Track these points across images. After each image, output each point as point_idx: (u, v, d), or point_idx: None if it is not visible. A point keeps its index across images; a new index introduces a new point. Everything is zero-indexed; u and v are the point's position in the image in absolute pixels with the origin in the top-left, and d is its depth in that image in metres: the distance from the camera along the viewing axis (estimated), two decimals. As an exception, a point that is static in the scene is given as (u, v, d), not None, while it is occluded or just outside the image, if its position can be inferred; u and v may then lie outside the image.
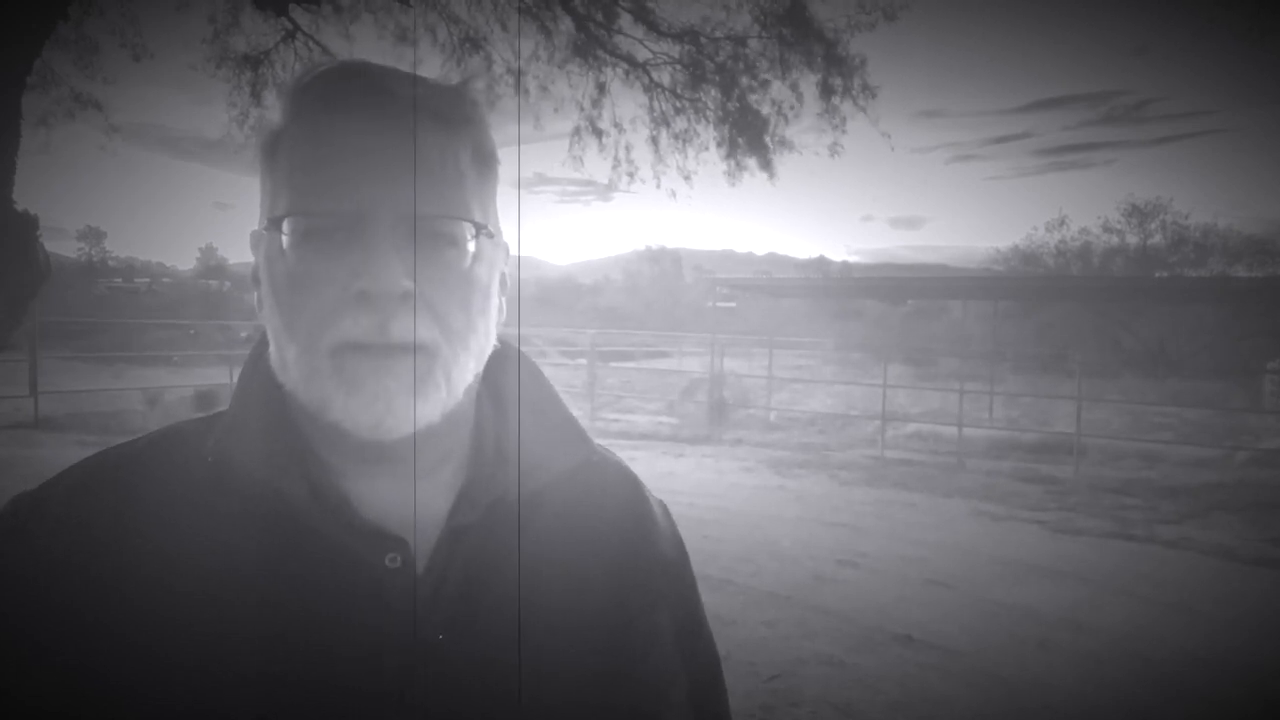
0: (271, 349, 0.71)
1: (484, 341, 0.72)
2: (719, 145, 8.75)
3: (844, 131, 8.61)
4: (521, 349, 0.81)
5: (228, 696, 0.63)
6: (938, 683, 4.50)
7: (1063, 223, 38.41)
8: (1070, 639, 5.15)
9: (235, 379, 0.78)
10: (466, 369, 0.70)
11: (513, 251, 0.78)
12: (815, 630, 5.15)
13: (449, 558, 0.69)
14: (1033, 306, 26.62)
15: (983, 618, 5.47)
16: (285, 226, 0.66)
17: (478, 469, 0.74)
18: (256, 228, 0.72)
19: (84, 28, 7.73)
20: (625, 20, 8.35)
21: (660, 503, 0.87)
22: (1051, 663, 4.80)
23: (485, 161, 0.72)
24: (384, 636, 0.66)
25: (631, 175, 9.14)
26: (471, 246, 0.69)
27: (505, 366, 0.79)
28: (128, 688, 0.63)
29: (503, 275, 0.76)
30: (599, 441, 0.83)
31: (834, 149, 8.78)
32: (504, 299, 0.76)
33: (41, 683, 0.63)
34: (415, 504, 0.70)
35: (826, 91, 8.43)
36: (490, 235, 0.71)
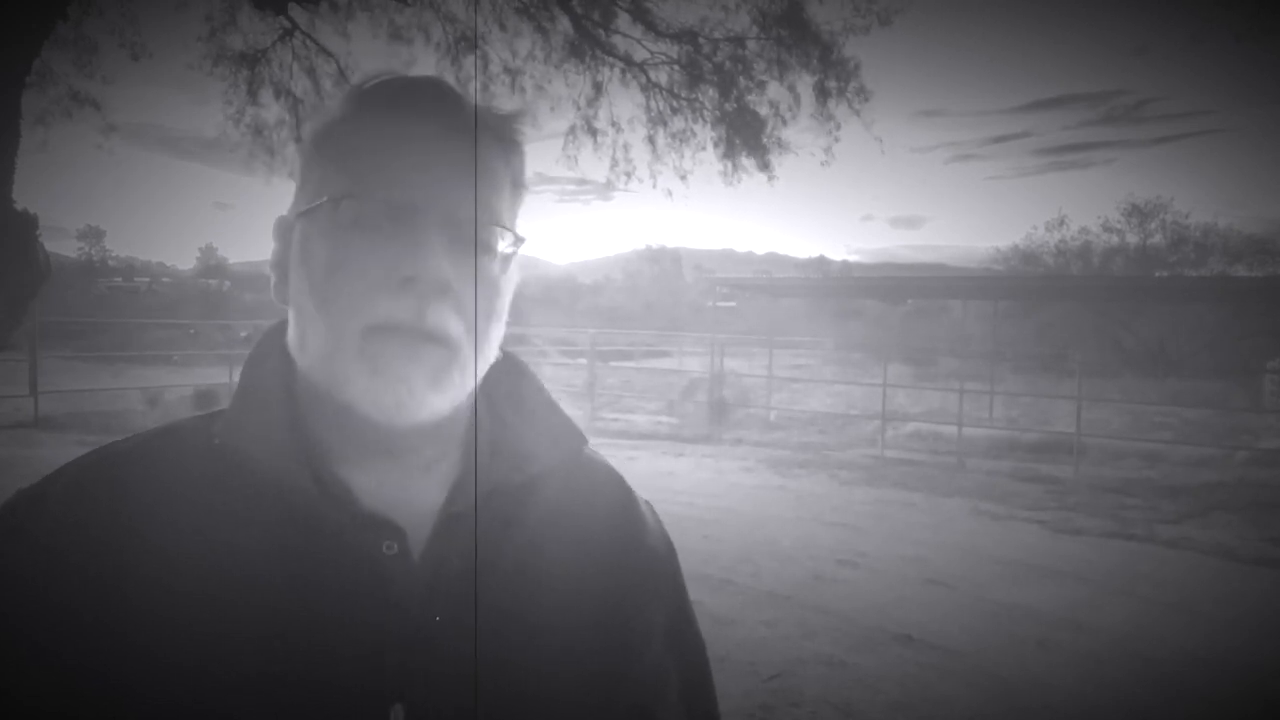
0: (291, 329, 0.72)
1: (493, 350, 0.75)
2: (716, 145, 8.76)
3: (837, 139, 8.63)
4: (513, 349, 0.83)
5: (227, 694, 0.63)
6: (938, 683, 4.50)
7: (1062, 222, 38.44)
8: (1070, 639, 5.15)
9: (235, 378, 0.79)
10: (478, 370, 0.72)
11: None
12: (815, 630, 5.15)
13: (445, 546, 0.70)
14: (1033, 306, 26.59)
15: (983, 618, 5.47)
16: (339, 208, 0.68)
17: (471, 461, 0.74)
18: (284, 214, 0.74)
19: (83, 27, 7.74)
20: (623, 20, 8.36)
21: (647, 502, 0.88)
22: (1051, 663, 4.80)
23: (518, 190, 0.76)
24: (382, 628, 0.66)
25: (629, 175, 9.15)
26: (507, 250, 0.72)
27: (496, 365, 0.80)
28: (128, 686, 0.63)
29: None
30: (597, 441, 0.83)
31: (828, 153, 8.80)
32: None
33: (41, 683, 0.63)
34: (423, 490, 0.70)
35: (823, 94, 8.44)
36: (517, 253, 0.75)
